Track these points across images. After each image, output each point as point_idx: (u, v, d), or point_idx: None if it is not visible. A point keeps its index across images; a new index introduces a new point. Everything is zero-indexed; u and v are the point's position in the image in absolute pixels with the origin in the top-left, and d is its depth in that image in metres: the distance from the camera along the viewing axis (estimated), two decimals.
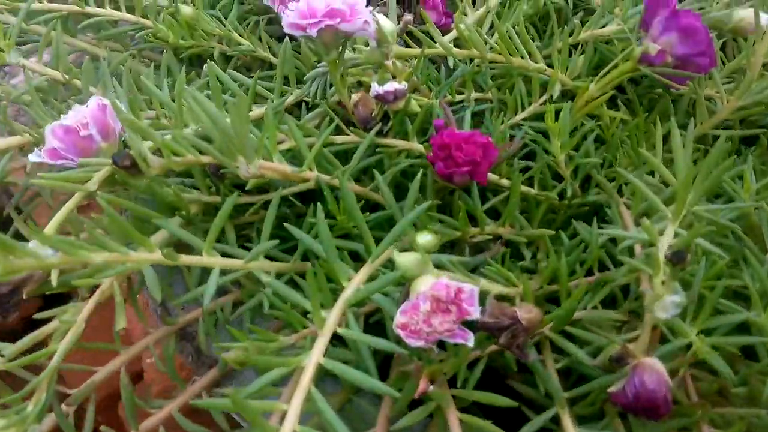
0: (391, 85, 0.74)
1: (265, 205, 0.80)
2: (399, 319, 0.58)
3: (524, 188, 0.81)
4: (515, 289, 0.68)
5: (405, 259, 0.61)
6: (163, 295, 0.68)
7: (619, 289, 0.74)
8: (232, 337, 0.65)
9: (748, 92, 0.83)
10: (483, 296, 0.64)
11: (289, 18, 0.72)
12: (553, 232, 0.77)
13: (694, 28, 0.81)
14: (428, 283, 0.58)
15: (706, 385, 0.68)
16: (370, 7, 0.74)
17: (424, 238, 0.70)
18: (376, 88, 0.74)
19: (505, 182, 0.80)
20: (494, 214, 0.80)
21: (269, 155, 0.69)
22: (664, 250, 0.64)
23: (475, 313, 0.57)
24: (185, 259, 0.61)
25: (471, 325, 0.59)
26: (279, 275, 0.72)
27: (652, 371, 0.61)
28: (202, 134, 0.67)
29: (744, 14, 0.84)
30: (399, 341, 0.59)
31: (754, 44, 0.84)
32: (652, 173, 0.84)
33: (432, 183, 0.77)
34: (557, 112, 0.80)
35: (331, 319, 0.62)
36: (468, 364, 0.68)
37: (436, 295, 0.57)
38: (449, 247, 0.78)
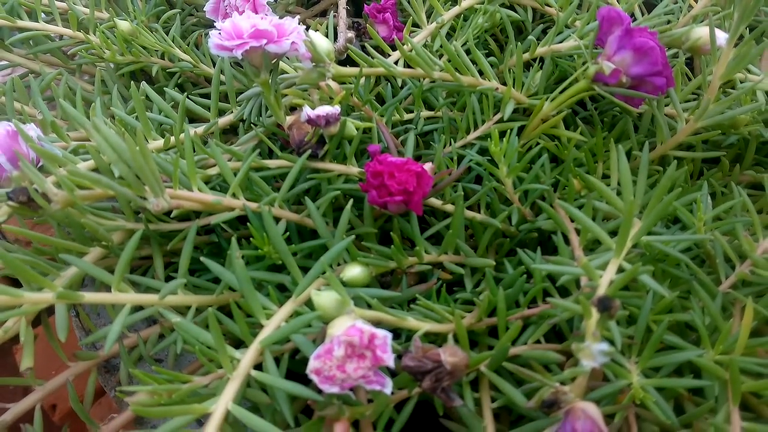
0: (323, 110, 0.70)
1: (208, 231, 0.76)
2: (313, 364, 0.55)
3: (470, 213, 0.78)
4: (448, 325, 0.65)
5: (323, 300, 0.58)
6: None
7: (565, 322, 0.70)
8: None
9: (707, 113, 0.80)
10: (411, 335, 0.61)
11: (214, 40, 0.68)
12: (493, 263, 0.73)
13: (648, 47, 0.77)
14: (343, 327, 0.55)
15: (650, 427, 0.65)
16: (302, 27, 0.70)
17: (352, 272, 0.66)
18: (307, 112, 0.70)
19: (449, 207, 0.76)
20: (440, 240, 0.77)
21: (189, 184, 0.65)
22: (604, 288, 0.61)
23: (388, 360, 0.53)
24: (89, 297, 0.57)
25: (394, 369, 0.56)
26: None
27: (585, 418, 0.57)
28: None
29: (702, 32, 0.80)
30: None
31: (707, 66, 0.80)
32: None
33: (370, 209, 0.74)
34: (505, 133, 0.77)
35: (245, 361, 0.58)
36: (397, 404, 0.64)
37: (350, 341, 0.54)
38: (389, 275, 0.74)
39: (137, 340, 0.71)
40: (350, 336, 0.53)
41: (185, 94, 0.75)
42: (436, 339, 0.67)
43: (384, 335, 0.53)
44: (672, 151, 0.86)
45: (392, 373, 0.61)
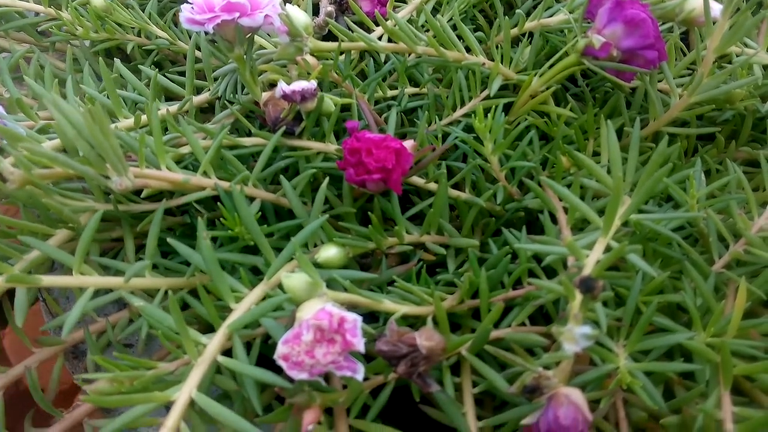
0: (299, 85, 0.67)
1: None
2: (281, 349, 0.52)
3: (454, 192, 0.75)
4: (427, 308, 0.62)
5: (293, 282, 0.55)
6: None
7: (552, 304, 0.67)
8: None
9: (700, 88, 0.76)
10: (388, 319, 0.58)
11: (186, 14, 0.65)
12: (477, 243, 0.70)
13: (640, 19, 0.74)
14: (312, 311, 0.52)
15: (637, 412, 0.62)
16: (278, 0, 0.67)
17: (327, 253, 0.63)
18: (282, 88, 0.67)
19: (432, 186, 0.73)
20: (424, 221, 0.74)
21: (158, 163, 0.63)
22: (590, 268, 0.58)
23: (358, 345, 0.51)
24: (49, 280, 0.55)
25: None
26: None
27: (569, 404, 0.55)
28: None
29: (696, 4, 0.77)
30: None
31: (702, 40, 0.77)
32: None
33: (349, 188, 0.71)
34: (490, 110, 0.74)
35: (212, 346, 0.56)
36: (374, 390, 0.62)
37: (319, 324, 0.51)
38: (368, 257, 0.71)
39: (106, 325, 0.69)
40: (319, 320, 0.51)
41: (157, 71, 0.72)
42: (416, 322, 0.65)
43: (354, 319, 0.51)
44: (665, 127, 0.83)
45: (368, 358, 0.58)
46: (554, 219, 0.72)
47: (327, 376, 0.60)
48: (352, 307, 0.58)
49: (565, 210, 0.72)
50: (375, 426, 0.57)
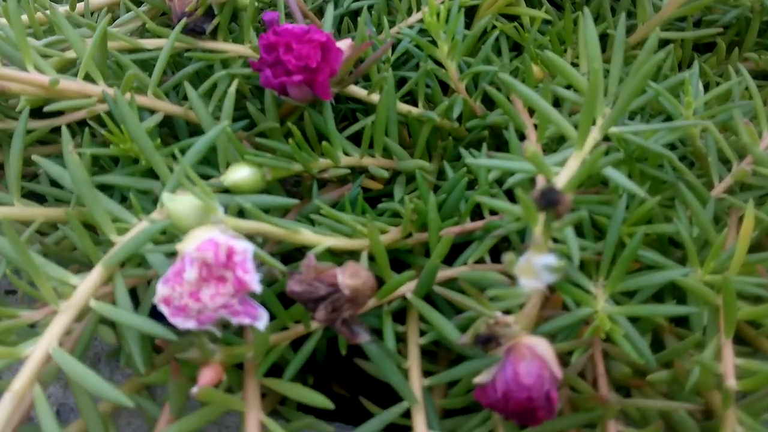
0: None
1: None
2: (160, 290, 0.40)
3: (404, 107, 0.62)
4: (361, 241, 0.50)
5: (178, 206, 0.43)
6: None
7: (517, 235, 0.56)
8: None
9: None
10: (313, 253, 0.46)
11: None
12: (426, 164, 0.58)
13: None
14: (197, 241, 0.40)
15: (619, 366, 0.51)
16: None
17: (237, 175, 0.51)
18: None
19: (374, 98, 0.61)
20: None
21: (23, 62, 0.50)
22: (561, 185, 0.46)
23: (252, 282, 0.39)
24: None
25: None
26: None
27: (532, 358, 0.43)
28: None
29: None
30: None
31: None
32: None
33: (273, 99, 0.58)
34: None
35: (82, 289, 0.44)
36: (295, 341, 0.50)
37: (203, 257, 0.39)
38: (297, 185, 0.59)
39: None
40: (202, 251, 0.39)
41: None
42: (350, 259, 0.53)
43: (244, 249, 0.39)
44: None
45: (287, 302, 0.47)
46: (522, 138, 0.59)
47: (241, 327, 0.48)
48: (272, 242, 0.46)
49: (536, 127, 0.60)
50: (291, 386, 0.45)
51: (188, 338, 0.43)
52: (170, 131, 0.64)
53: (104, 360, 0.58)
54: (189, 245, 0.40)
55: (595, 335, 0.47)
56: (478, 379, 0.45)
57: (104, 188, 0.57)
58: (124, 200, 0.57)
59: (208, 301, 0.39)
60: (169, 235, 0.48)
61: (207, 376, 0.43)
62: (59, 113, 0.58)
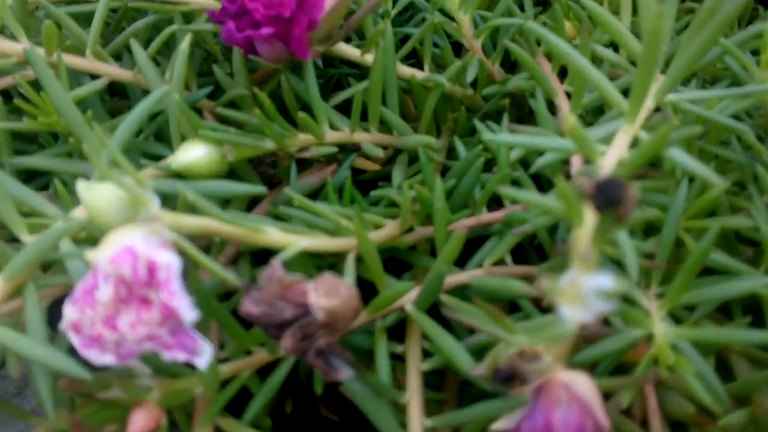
0: None
1: None
2: (68, 313, 0.29)
3: (408, 70, 0.51)
4: (345, 240, 0.39)
5: (96, 196, 0.32)
6: None
7: (546, 232, 0.44)
8: None
9: None
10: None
11: None
12: (432, 140, 0.47)
13: None
14: (112, 249, 0.29)
15: (678, 402, 0.40)
16: None
17: (190, 155, 0.40)
18: None
19: (369, 58, 0.49)
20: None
21: None
22: (610, 166, 0.35)
23: (180, 307, 0.28)
24: None
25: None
26: None
27: (570, 403, 0.32)
28: None
29: None
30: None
31: None
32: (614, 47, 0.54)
33: (242, 61, 0.47)
34: None
35: None
36: (265, 367, 0.39)
37: (118, 272, 0.28)
38: (272, 166, 0.48)
39: None
40: (117, 264, 0.28)
41: None
42: (335, 263, 0.42)
43: (168, 263, 0.28)
44: None
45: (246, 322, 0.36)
46: (552, 109, 0.48)
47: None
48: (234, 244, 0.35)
49: (569, 96, 0.49)
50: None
51: (113, 372, 0.33)
52: (127, 103, 0.54)
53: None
54: (102, 254, 0.29)
55: (650, 368, 0.35)
56: (497, 426, 0.34)
57: (33, 177, 0.47)
58: None
59: (128, 330, 0.29)
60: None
61: (138, 422, 0.33)
62: None
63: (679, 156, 0.36)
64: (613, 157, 0.36)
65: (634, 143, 0.38)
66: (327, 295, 0.31)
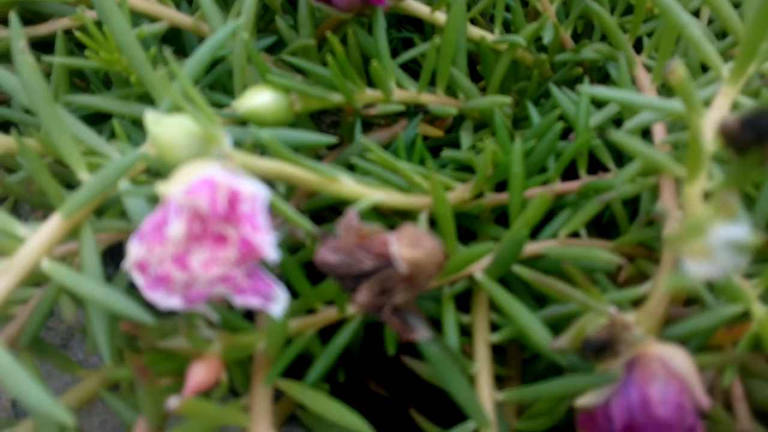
0: None
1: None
2: (133, 251, 0.27)
3: (477, 32, 0.48)
4: (420, 198, 0.37)
5: (166, 130, 0.29)
6: None
7: (622, 205, 0.42)
8: None
9: None
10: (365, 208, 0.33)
11: None
12: (508, 100, 0.44)
13: None
14: (186, 181, 0.27)
15: (765, 389, 0.37)
16: None
17: (256, 100, 0.38)
18: None
19: (440, 18, 0.47)
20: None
21: None
22: (711, 130, 0.32)
23: (264, 244, 0.26)
24: None
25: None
26: None
27: (668, 378, 0.30)
28: None
29: None
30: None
31: None
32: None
33: (308, 10, 0.44)
34: None
35: (32, 245, 0.31)
36: (324, 330, 0.37)
37: (195, 205, 0.26)
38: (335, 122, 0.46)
39: None
40: (193, 195, 0.26)
41: None
42: (405, 221, 0.39)
43: (254, 194, 0.26)
44: None
45: (316, 276, 0.34)
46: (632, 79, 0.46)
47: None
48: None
49: (648, 69, 0.46)
50: (316, 398, 0.32)
51: (173, 320, 0.31)
52: (180, 52, 0.51)
53: (78, 336, 0.46)
54: (175, 186, 0.27)
55: (748, 347, 0.33)
56: (583, 402, 0.31)
57: (97, 119, 0.45)
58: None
59: (200, 270, 0.26)
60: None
61: (198, 375, 0.31)
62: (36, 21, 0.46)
63: None
64: (713, 118, 0.34)
65: (735, 107, 0.36)
66: (411, 246, 0.29)
